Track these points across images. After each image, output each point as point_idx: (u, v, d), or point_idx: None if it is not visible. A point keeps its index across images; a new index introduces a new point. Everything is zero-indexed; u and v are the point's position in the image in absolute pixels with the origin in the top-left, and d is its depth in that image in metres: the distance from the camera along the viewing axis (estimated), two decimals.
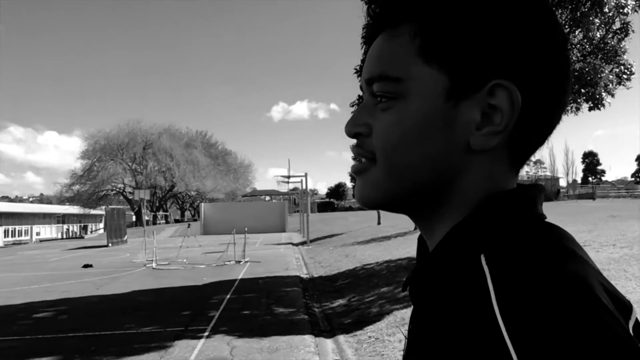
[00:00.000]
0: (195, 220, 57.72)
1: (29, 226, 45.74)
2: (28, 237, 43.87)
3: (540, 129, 0.56)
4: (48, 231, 49.82)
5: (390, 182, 0.57)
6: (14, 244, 40.19)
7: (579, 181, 78.93)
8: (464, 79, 0.53)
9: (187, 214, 76.81)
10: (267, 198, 79.01)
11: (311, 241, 24.43)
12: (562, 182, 73.94)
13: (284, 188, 67.72)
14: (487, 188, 0.55)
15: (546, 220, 0.55)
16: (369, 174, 0.60)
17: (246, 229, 19.30)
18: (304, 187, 33.11)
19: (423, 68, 0.54)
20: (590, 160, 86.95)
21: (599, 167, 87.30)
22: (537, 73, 0.52)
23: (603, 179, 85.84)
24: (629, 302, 0.44)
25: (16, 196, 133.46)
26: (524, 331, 0.40)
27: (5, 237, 39.86)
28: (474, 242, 0.51)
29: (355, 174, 0.63)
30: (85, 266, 17.38)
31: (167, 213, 72.61)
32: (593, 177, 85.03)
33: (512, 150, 0.55)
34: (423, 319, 0.57)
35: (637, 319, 0.43)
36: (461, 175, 0.55)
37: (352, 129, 0.61)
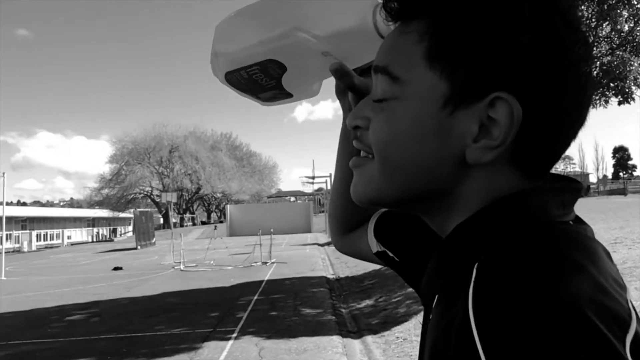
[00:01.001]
0: (221, 222, 58.23)
1: (60, 230, 46.70)
2: (59, 241, 44.78)
3: (550, 143, 0.53)
4: (79, 234, 50.78)
5: (383, 180, 0.57)
6: (46, 247, 41.06)
7: (610, 177, 77.41)
8: (464, 88, 0.51)
9: (214, 215, 77.50)
10: (292, 199, 79.33)
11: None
12: (592, 178, 72.62)
13: (308, 189, 67.96)
14: (492, 196, 0.53)
15: (564, 220, 0.52)
16: (366, 169, 0.59)
17: (272, 230, 19.41)
18: (328, 187, 33.16)
19: (425, 72, 0.52)
20: (621, 155, 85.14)
21: (630, 162, 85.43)
22: (546, 88, 0.49)
23: (634, 174, 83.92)
24: (629, 314, 0.42)
25: (47, 201, 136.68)
26: (497, 348, 0.38)
27: (37, 240, 40.74)
28: (469, 249, 0.50)
29: (353, 167, 0.62)
30: (115, 269, 17.68)
31: (194, 215, 73.37)
32: (624, 173, 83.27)
33: (519, 163, 0.53)
34: (426, 322, 0.58)
35: (636, 331, 0.41)
36: (461, 183, 0.54)
37: (351, 122, 0.61)
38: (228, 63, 0.77)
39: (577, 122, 0.53)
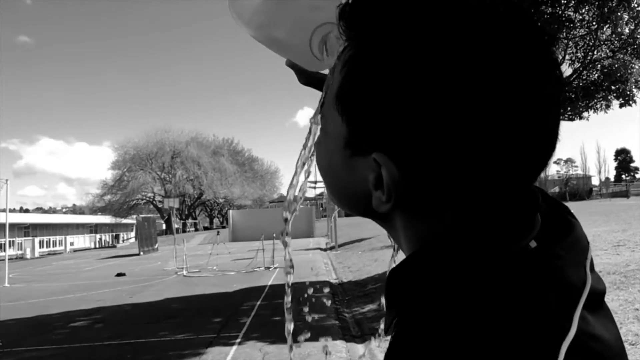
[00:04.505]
0: (223, 227, 58.21)
1: (63, 236, 46.76)
2: (62, 247, 44.83)
3: (468, 183, 0.46)
4: (81, 241, 50.89)
5: (333, 197, 0.59)
6: (48, 254, 41.10)
7: (612, 179, 77.24)
8: (356, 139, 0.50)
9: (216, 221, 77.52)
10: None
11: (339, 246, 24.39)
12: (595, 181, 72.50)
13: (311, 193, 67.81)
14: (422, 236, 0.50)
15: (515, 249, 0.46)
16: None
17: (274, 235, 19.37)
18: None
19: (334, 111, 0.52)
20: (623, 158, 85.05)
21: (633, 165, 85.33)
22: (437, 139, 0.44)
23: (637, 176, 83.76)
24: None
25: (50, 207, 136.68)
26: None
27: (40, 247, 40.79)
28: (397, 301, 0.49)
29: None
30: (119, 275, 17.69)
31: (196, 221, 73.39)
32: (626, 175, 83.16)
33: (445, 209, 0.48)
34: None
35: None
36: (390, 219, 0.53)
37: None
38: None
39: (499, 157, 0.45)
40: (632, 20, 10.53)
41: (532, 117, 0.45)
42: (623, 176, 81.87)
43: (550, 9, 10.23)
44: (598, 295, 0.48)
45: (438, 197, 0.47)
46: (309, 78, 0.73)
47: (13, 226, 39.01)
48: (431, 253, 0.47)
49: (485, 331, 0.40)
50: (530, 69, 0.44)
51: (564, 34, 10.77)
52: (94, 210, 63.78)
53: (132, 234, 59.78)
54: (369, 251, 19.28)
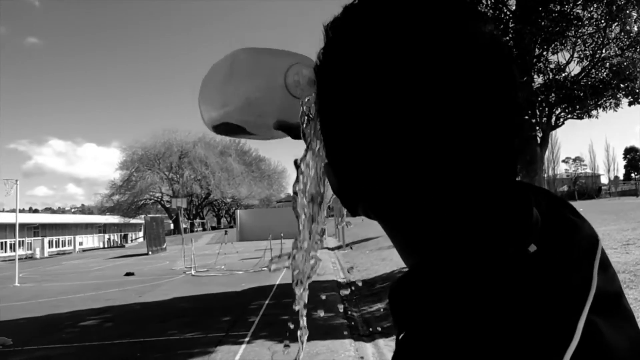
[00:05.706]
0: (231, 227, 58.31)
1: (72, 236, 47.06)
2: (71, 247, 45.12)
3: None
4: (90, 241, 51.19)
5: None
6: (58, 254, 41.36)
7: (621, 178, 76.68)
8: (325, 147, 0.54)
9: (224, 221, 77.66)
10: None
11: (347, 245, 24.39)
12: (604, 179, 72.07)
13: None
14: (417, 245, 0.51)
15: (512, 259, 0.44)
16: None
17: (282, 234, 19.40)
18: None
19: None
20: (632, 156, 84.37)
21: None
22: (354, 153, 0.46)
23: None
24: None
25: (59, 207, 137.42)
26: None
27: (49, 247, 41.06)
28: (399, 314, 0.48)
29: None
30: (127, 274, 17.79)
31: (204, 220, 73.59)
32: (636, 173, 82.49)
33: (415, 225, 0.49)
34: None
35: None
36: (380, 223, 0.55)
37: None
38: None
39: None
40: None
41: (467, 124, 0.42)
42: (632, 175, 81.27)
43: (558, 6, 10.19)
44: (611, 296, 0.46)
45: (397, 211, 0.48)
46: (298, 131, 0.75)
47: (23, 226, 39.26)
48: (424, 272, 0.47)
49: (483, 349, 0.39)
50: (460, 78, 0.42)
51: (573, 32, 10.73)
52: (102, 211, 64.09)
53: (141, 233, 60.07)
54: (377, 250, 19.26)
